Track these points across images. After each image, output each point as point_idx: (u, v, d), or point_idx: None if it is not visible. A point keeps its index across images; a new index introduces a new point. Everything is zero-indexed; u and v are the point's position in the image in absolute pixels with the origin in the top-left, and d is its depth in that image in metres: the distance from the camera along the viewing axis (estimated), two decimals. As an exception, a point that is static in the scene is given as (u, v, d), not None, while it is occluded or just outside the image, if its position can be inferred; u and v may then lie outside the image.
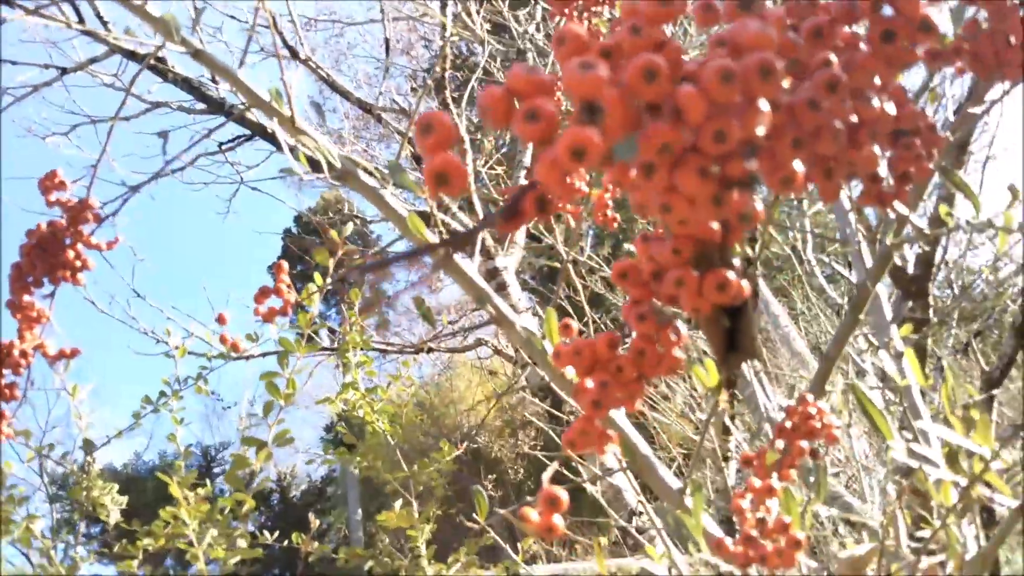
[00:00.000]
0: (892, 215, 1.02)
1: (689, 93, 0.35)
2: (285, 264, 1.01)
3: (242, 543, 1.26)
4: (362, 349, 2.06)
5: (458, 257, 0.99)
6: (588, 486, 2.49)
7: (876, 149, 0.46)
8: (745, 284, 0.44)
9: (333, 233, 1.11)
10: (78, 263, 1.00)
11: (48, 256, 1.00)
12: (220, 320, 1.03)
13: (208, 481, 1.83)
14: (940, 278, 3.81)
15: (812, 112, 0.40)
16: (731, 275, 0.43)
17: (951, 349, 3.58)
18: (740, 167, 0.37)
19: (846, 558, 0.82)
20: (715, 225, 0.43)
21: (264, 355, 4.34)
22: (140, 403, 1.90)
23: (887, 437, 0.70)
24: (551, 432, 2.74)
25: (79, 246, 1.01)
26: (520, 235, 3.35)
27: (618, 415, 0.97)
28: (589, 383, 0.50)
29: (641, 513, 2.27)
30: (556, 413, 2.65)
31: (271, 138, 3.57)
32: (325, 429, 11.95)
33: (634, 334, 0.49)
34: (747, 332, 0.47)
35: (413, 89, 5.59)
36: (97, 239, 1.13)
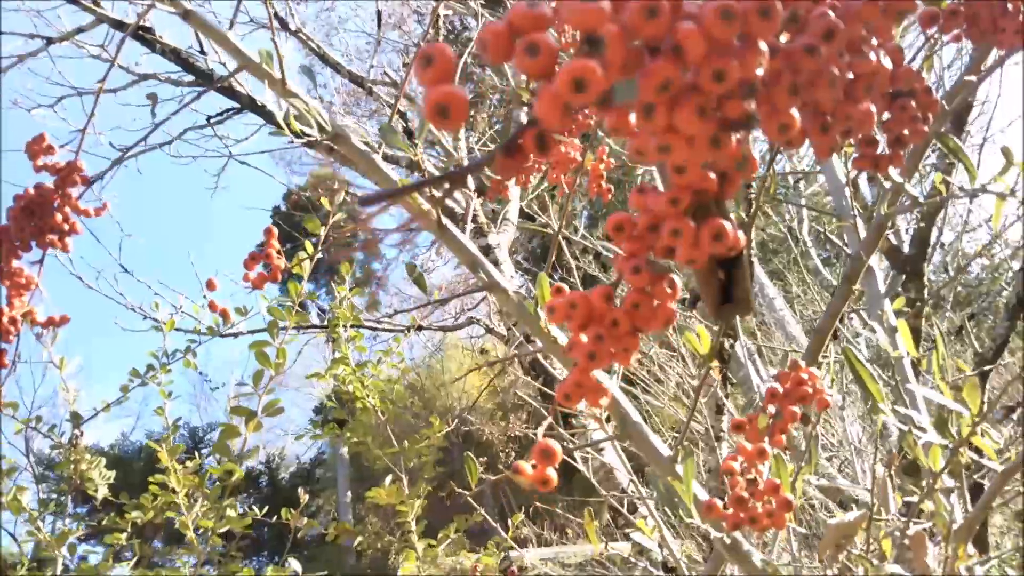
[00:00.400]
0: (888, 185, 1.02)
1: (689, 30, 0.34)
2: (275, 229, 1.00)
3: (231, 513, 1.25)
4: (353, 325, 2.06)
5: (451, 225, 0.99)
6: (580, 465, 2.50)
7: (872, 108, 0.46)
8: (741, 235, 0.44)
9: (325, 201, 1.10)
10: (66, 226, 0.99)
11: (36, 220, 0.98)
12: (209, 285, 1.02)
13: (197, 455, 1.82)
14: (936, 261, 3.82)
15: (809, 58, 0.40)
16: (727, 225, 0.43)
17: (946, 331, 3.59)
18: (739, 107, 0.36)
19: (835, 524, 0.82)
20: (712, 175, 0.42)
21: (252, 332, 4.33)
22: (128, 376, 1.89)
23: (877, 399, 0.70)
24: (543, 411, 2.74)
25: (67, 210, 0.99)
26: (513, 213, 3.34)
27: (611, 383, 0.97)
28: (584, 337, 0.50)
29: (632, 490, 2.28)
30: (547, 391, 2.65)
31: (260, 111, 3.55)
32: (315, 411, 11.94)
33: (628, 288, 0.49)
34: (741, 285, 0.46)
35: (405, 64, 5.55)
36: (85, 205, 1.12)
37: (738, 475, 0.67)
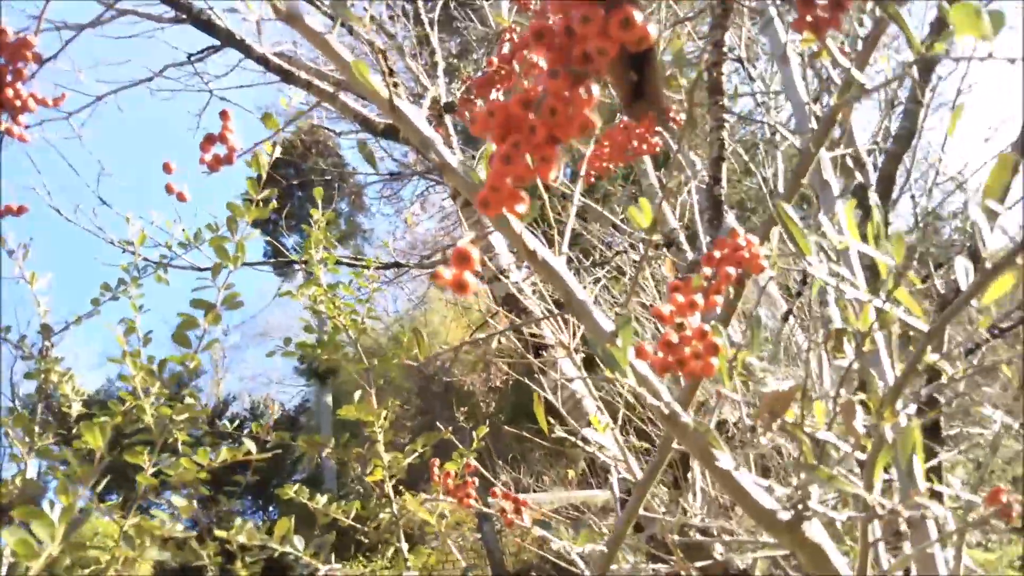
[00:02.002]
0: (839, 77, 1.03)
1: None
2: (230, 111, 1.00)
3: (190, 401, 1.27)
4: (336, 263, 2.07)
5: (403, 104, 0.99)
6: (548, 395, 2.53)
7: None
8: (652, 28, 0.45)
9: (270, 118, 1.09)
10: (18, 103, 0.98)
11: (-13, 95, 0.98)
12: (165, 168, 1.02)
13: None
14: (908, 214, 3.85)
15: None
16: (637, 14, 0.44)
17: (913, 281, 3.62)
18: None
19: (770, 393, 0.85)
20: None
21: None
22: (99, 290, 1.90)
23: (805, 251, 0.72)
24: (516, 342, 2.77)
25: (20, 87, 0.99)
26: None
27: (558, 263, 0.99)
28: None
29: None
30: (518, 322, 2.68)
31: (240, 45, 3.50)
32: (299, 360, 11.98)
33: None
34: (653, 82, 0.48)
35: None
36: (44, 95, 1.11)
37: (667, 319, 0.69)
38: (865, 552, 0.88)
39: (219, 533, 1.34)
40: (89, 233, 3.54)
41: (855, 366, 0.77)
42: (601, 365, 0.89)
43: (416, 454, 1.85)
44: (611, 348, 0.85)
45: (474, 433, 1.83)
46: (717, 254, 0.78)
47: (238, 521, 1.37)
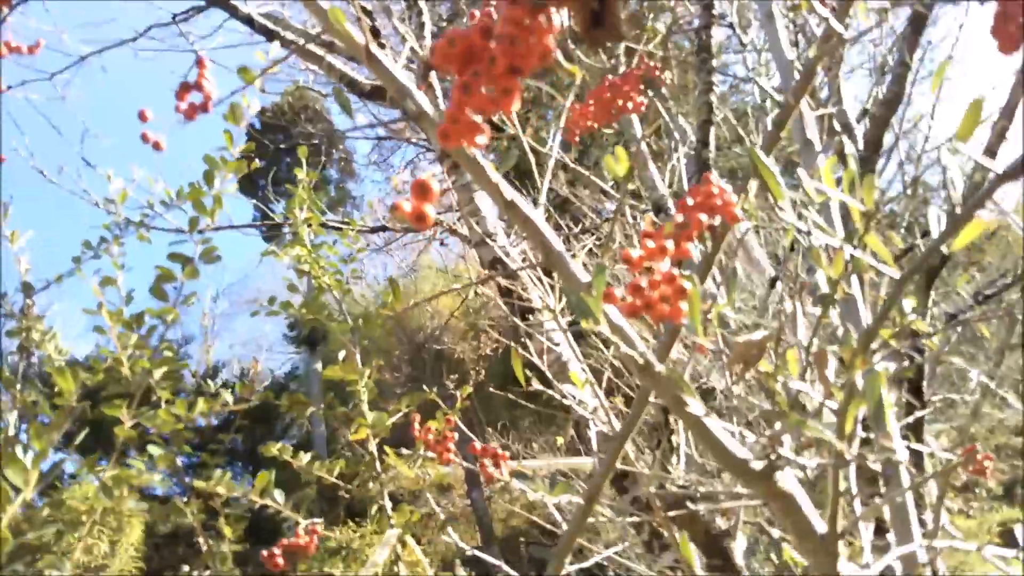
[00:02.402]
0: (822, 29, 1.02)
1: None
2: (207, 57, 0.98)
3: (168, 353, 1.27)
4: (321, 225, 2.06)
5: (380, 52, 0.98)
6: (535, 359, 2.54)
7: None
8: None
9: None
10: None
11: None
12: (141, 117, 1.01)
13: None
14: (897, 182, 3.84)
15: None
16: (595, -62, 0.43)
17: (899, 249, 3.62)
18: None
19: (743, 341, 0.85)
20: None
21: (217, 229, 4.30)
22: (80, 248, 1.88)
23: (777, 196, 0.71)
24: (504, 308, 2.78)
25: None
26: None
27: (535, 214, 0.98)
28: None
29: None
30: (509, 286, 2.68)
31: (225, 5, 3.45)
32: (288, 327, 12.00)
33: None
34: (612, 11, 0.47)
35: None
36: (18, 42, 1.09)
37: (635, 263, 0.69)
38: (836, 500, 0.89)
39: (198, 484, 1.34)
40: (73, 195, 3.51)
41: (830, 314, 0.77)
42: (577, 317, 0.89)
43: (401, 414, 1.86)
44: (585, 297, 0.85)
45: (458, 393, 1.84)
46: (690, 201, 0.78)
47: (217, 472, 1.38)
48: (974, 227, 0.68)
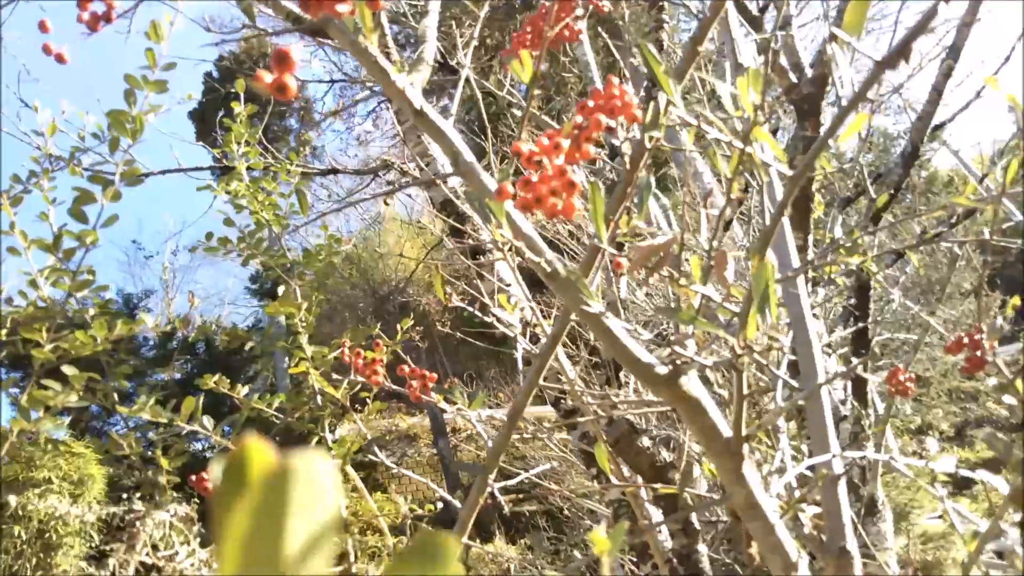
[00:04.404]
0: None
1: None
2: (106, -36, 0.95)
3: (88, 276, 1.25)
4: (262, 163, 2.02)
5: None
6: (485, 299, 2.54)
7: None
8: None
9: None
10: None
11: None
12: (41, 27, 0.97)
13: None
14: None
15: None
16: None
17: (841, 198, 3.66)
18: None
19: (644, 246, 0.86)
20: None
21: (164, 172, 4.22)
22: (9, 182, 1.84)
23: (668, 93, 0.71)
24: (459, 253, 2.77)
25: None
26: (428, 54, 3.22)
27: (444, 123, 0.98)
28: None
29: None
30: (459, 227, 2.68)
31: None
32: (251, 279, 11.88)
33: None
34: None
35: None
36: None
37: (526, 158, 0.69)
38: (740, 403, 0.91)
39: (120, 409, 1.34)
40: (10, 136, 3.41)
41: (728, 212, 0.78)
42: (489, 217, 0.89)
43: (340, 349, 1.86)
44: (490, 202, 0.85)
45: (412, 334, 1.84)
46: (591, 103, 0.78)
47: (141, 399, 1.37)
48: (859, 119, 0.69)
